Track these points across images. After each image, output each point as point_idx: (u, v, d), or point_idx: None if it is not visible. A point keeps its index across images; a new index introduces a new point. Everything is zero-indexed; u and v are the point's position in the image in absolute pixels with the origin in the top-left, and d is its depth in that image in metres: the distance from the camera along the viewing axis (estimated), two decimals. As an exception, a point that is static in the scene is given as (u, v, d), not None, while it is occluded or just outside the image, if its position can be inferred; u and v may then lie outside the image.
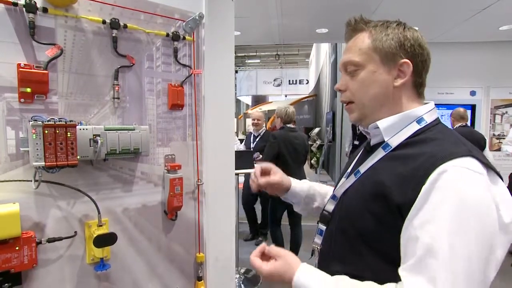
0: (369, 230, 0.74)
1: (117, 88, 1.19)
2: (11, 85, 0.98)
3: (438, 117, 0.82)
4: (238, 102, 20.29)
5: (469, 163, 0.67)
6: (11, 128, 0.99)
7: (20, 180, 1.00)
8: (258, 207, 4.21)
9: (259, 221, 4.37)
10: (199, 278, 1.46)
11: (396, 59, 0.79)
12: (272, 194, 1.10)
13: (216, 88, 1.50)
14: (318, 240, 0.92)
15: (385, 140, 0.81)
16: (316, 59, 13.41)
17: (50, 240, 1.03)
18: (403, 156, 0.75)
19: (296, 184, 1.10)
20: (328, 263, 0.85)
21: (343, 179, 0.93)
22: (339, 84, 0.87)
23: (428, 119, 0.80)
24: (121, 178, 1.22)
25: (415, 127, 0.79)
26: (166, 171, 1.33)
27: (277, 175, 1.07)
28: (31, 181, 1.00)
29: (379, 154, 0.81)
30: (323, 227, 0.90)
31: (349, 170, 0.94)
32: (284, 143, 3.24)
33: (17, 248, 0.94)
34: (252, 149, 4.00)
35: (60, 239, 1.06)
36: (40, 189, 1.02)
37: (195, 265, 1.46)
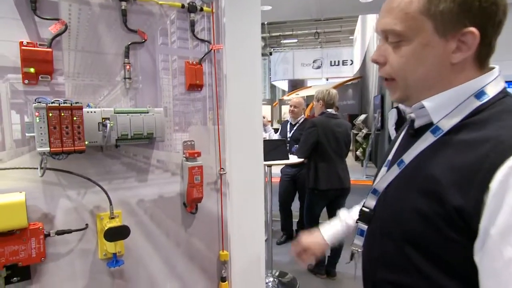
0: (417, 233, 0.69)
1: (128, 67, 1.18)
2: (14, 65, 1.00)
3: (505, 88, 0.71)
4: (273, 87, 20.25)
5: None
6: (16, 112, 1.02)
7: (26, 168, 1.03)
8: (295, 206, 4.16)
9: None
10: (223, 279, 1.45)
11: (458, 27, 0.66)
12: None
13: (240, 65, 1.47)
14: (358, 241, 0.88)
15: (434, 122, 0.71)
16: (362, 36, 13.00)
17: (59, 233, 1.06)
18: (460, 142, 0.67)
19: (329, 233, 1.13)
20: (375, 269, 0.81)
21: (383, 169, 0.86)
22: (376, 55, 0.77)
23: (491, 91, 0.68)
24: (135, 166, 1.23)
25: (474, 103, 0.68)
26: (185, 159, 1.32)
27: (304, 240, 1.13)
28: (38, 168, 1.03)
29: (428, 139, 0.72)
30: (364, 227, 0.87)
31: (390, 158, 0.87)
32: (324, 131, 3.10)
33: (24, 240, 0.98)
34: (288, 139, 3.93)
35: (69, 231, 1.08)
36: (48, 177, 1.05)
37: (218, 264, 1.45)
